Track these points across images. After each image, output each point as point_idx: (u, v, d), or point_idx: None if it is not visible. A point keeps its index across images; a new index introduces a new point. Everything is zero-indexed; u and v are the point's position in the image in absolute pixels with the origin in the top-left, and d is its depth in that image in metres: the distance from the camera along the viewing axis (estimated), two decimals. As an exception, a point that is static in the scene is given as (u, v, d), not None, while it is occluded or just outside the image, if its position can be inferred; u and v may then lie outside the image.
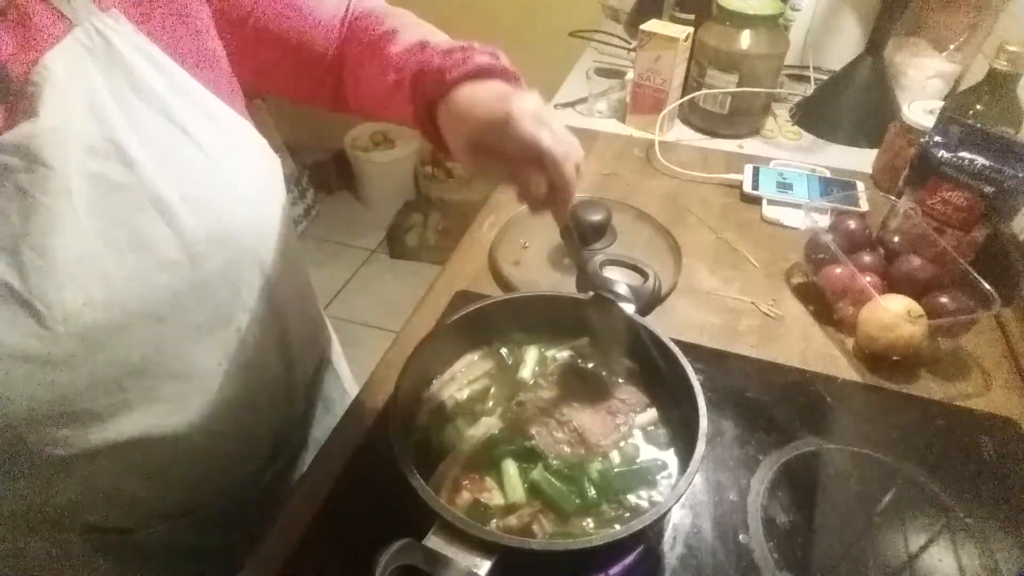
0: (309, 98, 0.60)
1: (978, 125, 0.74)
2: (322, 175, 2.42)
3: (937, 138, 0.76)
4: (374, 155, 2.33)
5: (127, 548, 0.57)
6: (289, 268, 0.58)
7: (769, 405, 0.67)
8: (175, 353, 0.48)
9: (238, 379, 0.53)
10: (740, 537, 0.57)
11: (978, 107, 0.82)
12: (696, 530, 0.57)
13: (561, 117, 1.16)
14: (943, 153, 0.75)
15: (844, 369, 0.71)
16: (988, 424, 0.66)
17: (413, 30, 0.57)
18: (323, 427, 0.68)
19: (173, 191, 0.45)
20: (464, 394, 0.58)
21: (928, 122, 0.88)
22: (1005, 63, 0.79)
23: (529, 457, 0.53)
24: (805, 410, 0.67)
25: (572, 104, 1.19)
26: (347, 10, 0.58)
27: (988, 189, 0.72)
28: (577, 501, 0.51)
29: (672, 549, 0.56)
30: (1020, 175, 0.70)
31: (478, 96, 0.46)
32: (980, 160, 0.73)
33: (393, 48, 0.54)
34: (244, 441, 0.57)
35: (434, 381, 0.60)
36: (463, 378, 0.60)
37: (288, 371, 0.60)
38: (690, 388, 0.53)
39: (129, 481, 0.52)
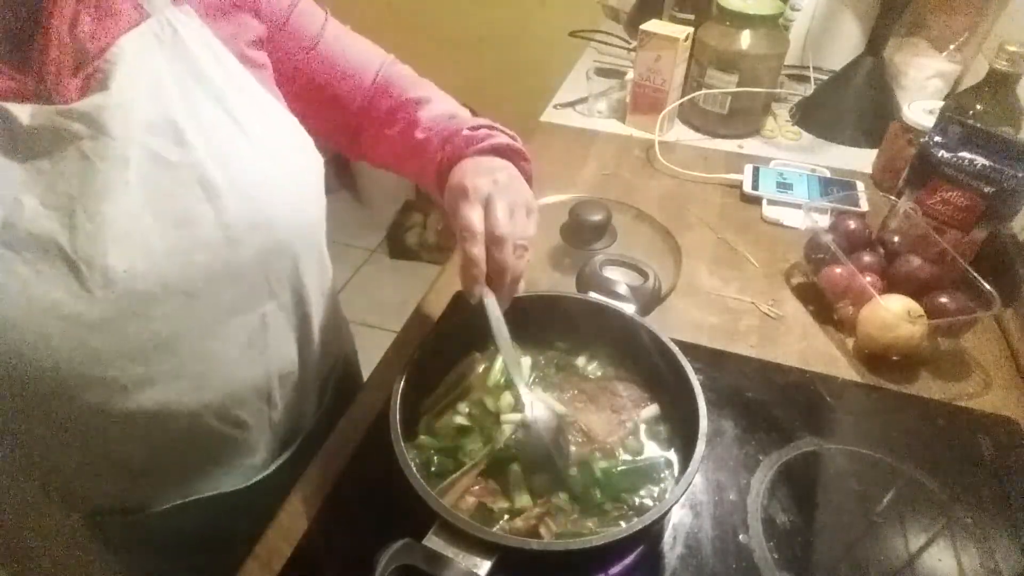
0: (325, 138, 0.65)
1: (978, 125, 0.74)
2: (321, 173, 2.42)
3: (937, 138, 0.76)
4: (374, 155, 2.33)
5: (133, 534, 0.58)
6: (318, 267, 0.60)
7: (769, 405, 0.67)
8: (202, 332, 0.49)
9: (257, 366, 0.55)
10: (740, 537, 0.56)
11: (978, 107, 0.82)
12: (696, 530, 0.57)
13: (561, 117, 1.17)
14: (943, 153, 0.75)
15: (844, 369, 0.71)
16: (988, 424, 0.66)
17: (444, 101, 0.67)
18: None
19: (221, 175, 0.47)
20: (465, 403, 0.58)
21: (928, 122, 0.89)
22: (1005, 63, 0.79)
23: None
24: (805, 410, 0.67)
25: (572, 104, 1.19)
26: (378, 72, 0.66)
27: (988, 189, 0.72)
28: (578, 492, 0.51)
29: (672, 549, 0.56)
30: (1020, 175, 0.70)
31: (469, 167, 0.55)
32: (980, 160, 0.73)
33: (425, 113, 0.64)
34: (256, 428, 0.58)
35: (436, 384, 0.60)
36: (462, 385, 0.60)
37: (305, 366, 0.61)
38: (690, 388, 0.53)
39: (140, 453, 0.52)
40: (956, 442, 0.65)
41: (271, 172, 0.51)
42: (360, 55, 0.66)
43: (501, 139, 0.60)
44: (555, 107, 1.19)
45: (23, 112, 0.41)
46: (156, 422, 0.50)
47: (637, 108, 1.10)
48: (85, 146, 0.43)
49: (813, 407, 0.68)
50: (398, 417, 0.51)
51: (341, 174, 2.43)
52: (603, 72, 1.18)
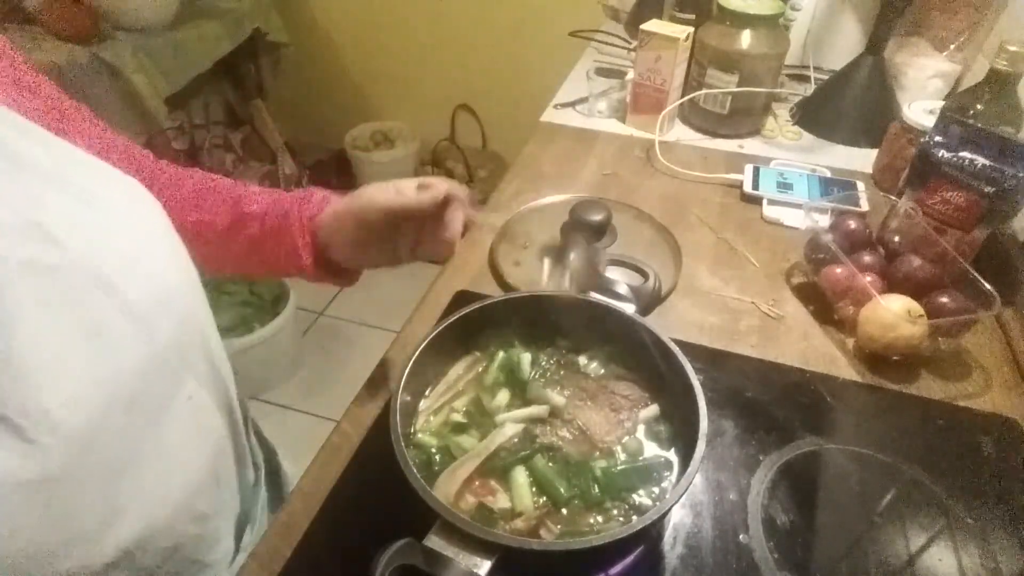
0: None
1: (978, 125, 0.74)
2: (322, 175, 2.42)
3: (938, 138, 0.76)
4: (374, 155, 2.33)
5: None
6: (210, 319, 0.54)
7: (769, 405, 0.67)
8: (149, 436, 0.44)
9: (200, 450, 0.51)
10: (740, 537, 0.56)
11: (978, 107, 0.82)
12: (696, 530, 0.57)
13: (561, 117, 1.17)
14: (943, 153, 0.75)
15: (844, 369, 0.71)
16: (988, 424, 0.66)
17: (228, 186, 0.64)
18: (263, 497, 0.64)
19: (105, 262, 0.41)
20: (463, 400, 0.58)
21: (928, 122, 0.89)
22: (1005, 63, 0.79)
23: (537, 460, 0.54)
24: (806, 410, 0.67)
25: (572, 104, 1.19)
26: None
27: (988, 189, 0.72)
28: (575, 491, 0.51)
29: (672, 549, 0.56)
30: (1020, 175, 0.70)
31: (357, 201, 0.59)
32: (980, 160, 0.73)
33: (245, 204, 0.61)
34: (215, 515, 0.54)
35: (436, 383, 0.60)
36: (461, 383, 0.60)
37: (235, 432, 0.57)
38: (690, 388, 0.53)
39: None
40: (956, 442, 0.65)
41: (143, 238, 0.46)
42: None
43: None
44: (555, 107, 1.19)
45: None
46: (138, 552, 0.45)
47: (637, 108, 1.10)
48: None
49: (813, 407, 0.68)
50: (398, 418, 0.51)
51: (341, 174, 2.44)
52: (603, 72, 1.18)
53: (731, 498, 0.59)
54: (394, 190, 0.58)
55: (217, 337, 0.55)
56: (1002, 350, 0.73)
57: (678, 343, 0.56)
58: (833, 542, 0.57)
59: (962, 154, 0.74)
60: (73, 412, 0.37)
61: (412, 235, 0.61)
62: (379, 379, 0.68)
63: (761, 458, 0.62)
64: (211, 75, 1.93)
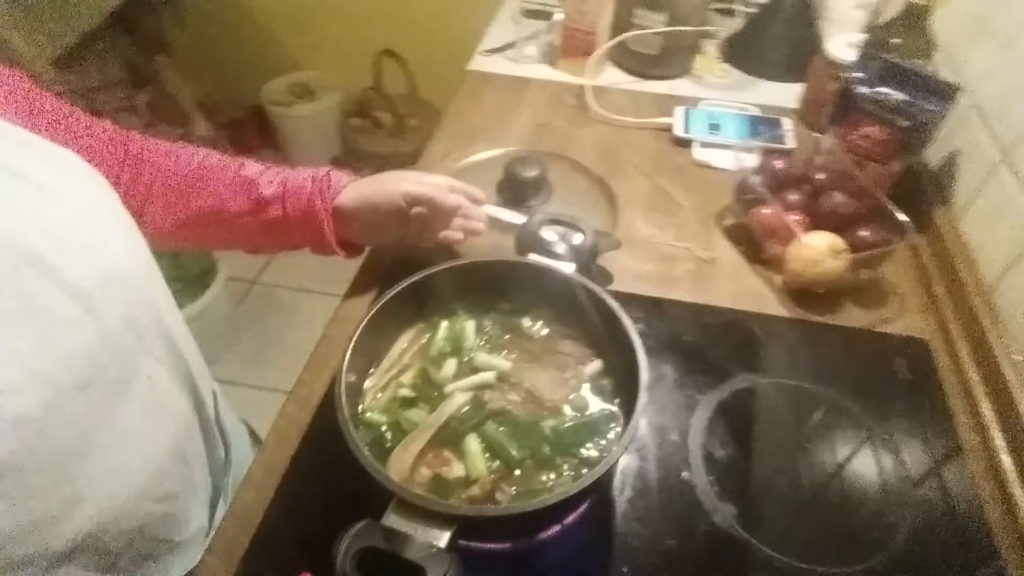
0: None
1: (895, 60, 0.76)
2: (240, 134, 2.28)
3: (858, 74, 0.78)
4: (295, 108, 2.20)
5: None
6: (167, 299, 0.53)
7: (705, 347, 0.70)
8: (106, 418, 0.44)
9: (162, 431, 0.50)
10: (683, 474, 0.60)
11: (895, 40, 0.84)
12: (642, 472, 0.60)
13: (490, 64, 1.13)
14: (863, 89, 0.77)
15: (773, 305, 0.75)
16: (902, 347, 0.71)
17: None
18: (238, 468, 0.64)
19: (39, 242, 0.39)
20: (409, 375, 0.58)
21: (849, 55, 0.90)
22: (919, -6, 0.80)
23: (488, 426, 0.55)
24: (739, 349, 0.71)
25: (500, 50, 1.15)
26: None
27: (904, 123, 0.75)
28: (527, 452, 0.53)
29: (621, 494, 0.59)
30: (932, 109, 0.73)
31: (381, 190, 0.65)
32: (897, 95, 0.75)
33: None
34: (183, 493, 0.54)
35: (380, 359, 0.59)
36: (406, 357, 0.60)
37: (200, 410, 0.57)
38: (630, 343, 0.54)
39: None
40: (874, 366, 0.70)
41: (84, 215, 0.44)
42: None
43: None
44: (483, 53, 1.15)
45: None
46: (99, 537, 0.45)
47: (567, 52, 1.07)
48: None
49: (746, 345, 0.71)
50: (344, 400, 0.51)
51: (261, 131, 2.31)
52: (531, 14, 1.15)
53: (673, 439, 0.63)
54: (415, 180, 0.65)
55: (177, 316, 0.54)
56: (915, 274, 0.78)
57: (617, 294, 0.57)
58: (767, 469, 0.62)
59: (880, 90, 0.76)
60: (18, 396, 0.37)
61: (422, 222, 0.66)
62: (321, 357, 0.67)
63: (699, 398, 0.66)
64: (105, 30, 1.75)
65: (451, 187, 0.66)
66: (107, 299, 0.43)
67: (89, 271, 0.42)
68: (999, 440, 0.61)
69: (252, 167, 0.64)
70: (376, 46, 2.12)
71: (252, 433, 0.75)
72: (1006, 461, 0.59)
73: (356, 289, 0.74)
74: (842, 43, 0.93)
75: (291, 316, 1.95)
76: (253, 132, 2.31)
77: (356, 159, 2.29)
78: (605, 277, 0.75)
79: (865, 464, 0.62)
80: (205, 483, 0.58)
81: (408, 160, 2.30)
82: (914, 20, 0.83)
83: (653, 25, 1.03)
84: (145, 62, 1.99)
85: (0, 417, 0.36)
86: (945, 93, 0.74)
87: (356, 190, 0.65)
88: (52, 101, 0.53)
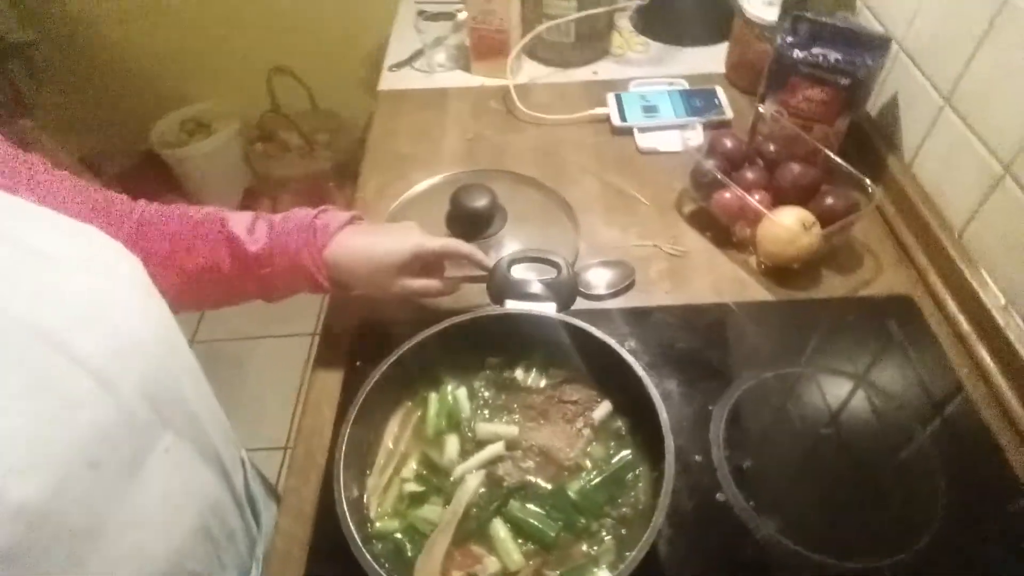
0: None
1: (824, 19, 0.74)
2: (136, 184, 2.08)
3: (789, 38, 0.76)
4: (191, 147, 2.03)
5: None
6: (190, 371, 0.50)
7: (701, 351, 0.68)
8: (119, 497, 0.41)
9: (184, 508, 0.47)
10: (717, 496, 0.57)
11: (813, -6, 0.82)
12: (676, 505, 0.57)
13: (401, 80, 1.05)
14: (797, 52, 0.75)
15: (754, 288, 0.73)
16: (888, 306, 0.71)
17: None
18: (268, 538, 0.60)
19: (52, 316, 0.39)
20: (411, 465, 0.53)
21: (767, 15, 0.89)
22: (829, -57, 0.79)
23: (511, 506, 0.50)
24: (733, 344, 0.69)
25: (407, 62, 1.07)
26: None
27: (844, 81, 0.74)
28: (559, 526, 0.49)
29: (660, 536, 0.56)
30: (869, 63, 0.72)
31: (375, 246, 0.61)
32: (832, 54, 0.74)
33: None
34: (209, 572, 0.50)
35: (374, 455, 0.54)
36: (401, 445, 0.54)
37: (227, 482, 0.53)
38: (637, 377, 0.51)
39: None
40: (867, 330, 0.69)
41: (102, 289, 0.42)
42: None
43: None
44: (390, 69, 1.06)
45: None
46: None
47: (480, 55, 1.01)
48: None
49: (739, 339, 0.69)
50: (350, 522, 0.45)
51: (160, 177, 2.12)
52: (431, 17, 1.07)
53: (696, 459, 0.60)
54: (409, 237, 0.62)
55: (202, 386, 0.52)
56: (882, 230, 0.78)
57: (599, 313, 0.54)
58: (795, 469, 0.60)
59: (814, 51, 0.74)
60: (23, 479, 0.35)
61: (414, 274, 0.62)
62: (301, 457, 0.60)
63: (711, 408, 0.63)
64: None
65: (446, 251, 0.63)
66: (122, 370, 0.41)
67: (103, 343, 0.40)
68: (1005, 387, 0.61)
69: (237, 222, 0.61)
70: (265, 64, 1.97)
71: (272, 491, 0.69)
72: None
73: (321, 362, 0.68)
74: (758, 2, 0.91)
75: (241, 369, 1.82)
76: (150, 179, 2.11)
77: (271, 187, 2.14)
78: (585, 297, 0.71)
79: (886, 438, 0.61)
80: (235, 559, 0.54)
81: (328, 178, 2.18)
82: (829, -30, 0.81)
83: (565, 12, 0.97)
84: (10, 130, 1.77)
85: (7, 501, 0.34)
86: (878, 45, 0.73)
87: (350, 240, 0.61)
88: (69, 178, 0.54)
